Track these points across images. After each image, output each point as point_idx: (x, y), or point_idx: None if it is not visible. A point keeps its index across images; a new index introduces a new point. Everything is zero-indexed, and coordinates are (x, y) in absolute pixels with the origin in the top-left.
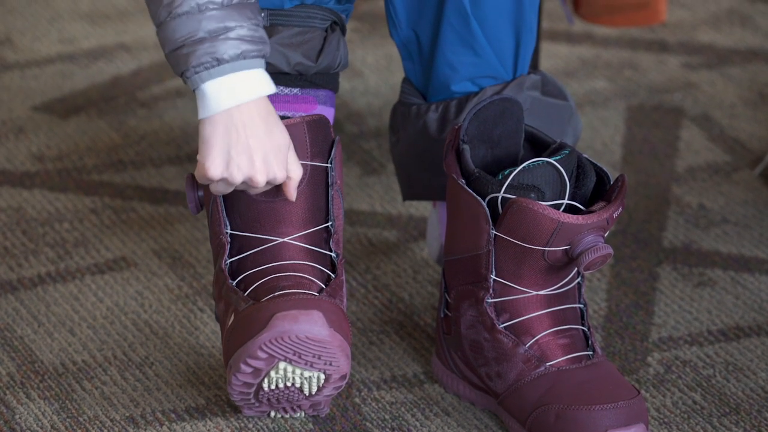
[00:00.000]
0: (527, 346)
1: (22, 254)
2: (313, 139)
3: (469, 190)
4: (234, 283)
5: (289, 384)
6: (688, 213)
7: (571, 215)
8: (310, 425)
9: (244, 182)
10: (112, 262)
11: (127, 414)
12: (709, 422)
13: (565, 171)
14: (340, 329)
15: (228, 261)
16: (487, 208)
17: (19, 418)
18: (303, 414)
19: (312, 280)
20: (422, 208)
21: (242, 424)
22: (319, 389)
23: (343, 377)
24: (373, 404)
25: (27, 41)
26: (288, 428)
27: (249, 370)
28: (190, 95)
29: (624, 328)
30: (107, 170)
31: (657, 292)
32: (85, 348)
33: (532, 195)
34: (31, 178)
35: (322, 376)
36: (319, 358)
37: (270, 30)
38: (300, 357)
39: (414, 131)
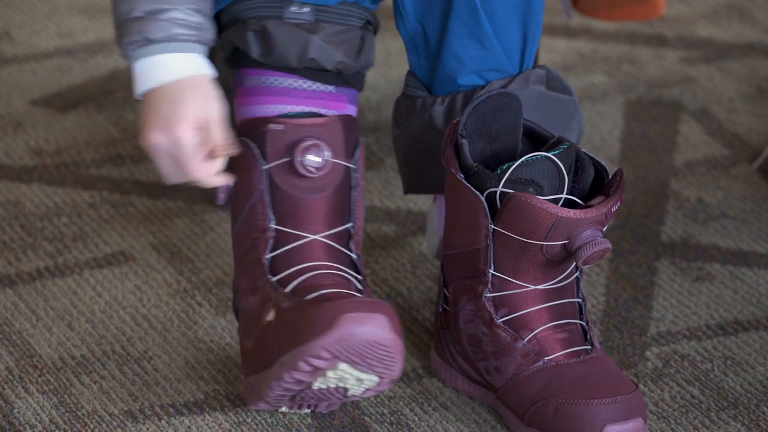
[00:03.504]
0: (526, 340)
1: (20, 248)
2: (346, 139)
3: (468, 184)
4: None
5: (340, 385)
6: (687, 207)
7: (569, 210)
8: (309, 420)
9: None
10: (110, 257)
11: (126, 408)
12: (708, 416)
13: (564, 165)
14: (399, 334)
15: (270, 256)
16: (485, 203)
17: (18, 412)
18: (310, 410)
19: (349, 280)
20: (421, 202)
21: (241, 419)
22: (364, 391)
23: (392, 381)
24: (372, 399)
25: (25, 35)
26: (287, 422)
27: (308, 368)
28: None
29: (622, 322)
30: (105, 164)
31: (655, 287)
32: (83, 342)
33: (531, 189)
34: (30, 173)
35: (376, 379)
36: (381, 362)
37: (314, 26)
38: (363, 360)
39: (419, 124)
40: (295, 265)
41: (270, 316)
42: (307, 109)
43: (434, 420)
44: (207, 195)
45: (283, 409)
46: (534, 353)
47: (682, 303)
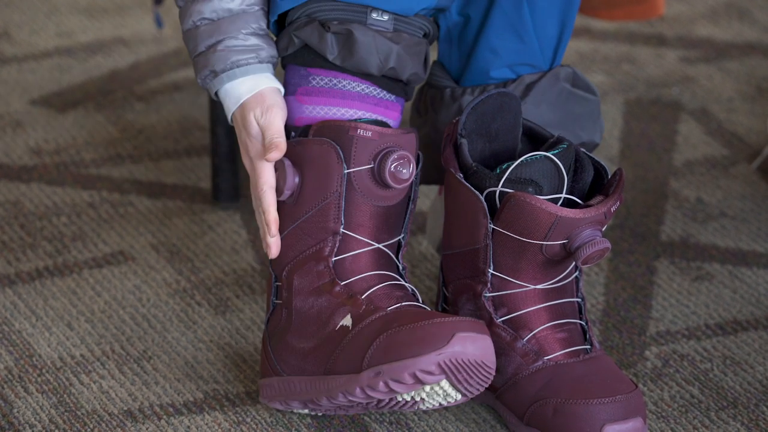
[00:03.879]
0: (525, 340)
1: (19, 248)
2: (417, 152)
3: (467, 184)
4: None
5: (426, 398)
6: (686, 207)
7: (568, 209)
8: (308, 419)
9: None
10: (110, 256)
11: (125, 408)
12: (707, 416)
13: (563, 165)
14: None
15: (334, 259)
16: (485, 203)
17: (17, 412)
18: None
19: (415, 292)
20: (420, 202)
21: (240, 418)
22: (437, 405)
23: (466, 400)
24: None
25: (25, 35)
26: (286, 422)
27: (411, 381)
28: (188, 89)
29: (622, 322)
30: (105, 164)
31: (655, 286)
32: (83, 342)
33: (530, 189)
34: (29, 172)
35: (459, 397)
36: (477, 383)
37: (396, 36)
38: (466, 379)
39: (447, 114)
40: (361, 273)
41: (345, 321)
42: (374, 116)
43: (433, 420)
44: (206, 195)
45: (305, 411)
46: (533, 353)
47: (681, 302)
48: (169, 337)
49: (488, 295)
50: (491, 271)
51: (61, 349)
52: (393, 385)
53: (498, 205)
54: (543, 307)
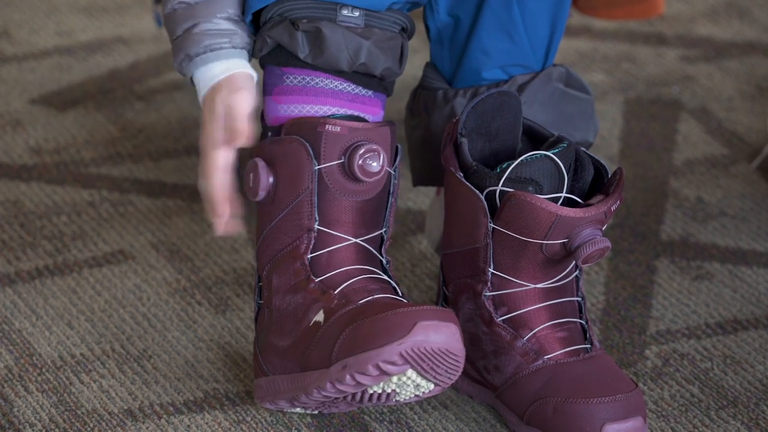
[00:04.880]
0: (525, 339)
1: (19, 247)
2: (392, 145)
3: (467, 183)
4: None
5: (397, 390)
6: (686, 206)
7: (569, 208)
8: (309, 419)
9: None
10: (110, 255)
11: (125, 407)
12: (707, 415)
13: (563, 164)
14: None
15: (310, 256)
16: (485, 202)
17: (17, 411)
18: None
19: (394, 286)
20: (420, 201)
21: (240, 417)
22: (409, 398)
23: (443, 390)
24: None
25: (24, 34)
26: (286, 421)
27: (375, 373)
28: (187, 88)
29: (622, 321)
30: (105, 163)
31: (655, 286)
32: (83, 341)
33: (530, 188)
34: (29, 171)
35: (431, 387)
36: (446, 371)
37: (366, 31)
38: (432, 368)
39: (440, 116)
40: (338, 268)
41: (318, 317)
42: (350, 112)
43: (434, 419)
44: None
45: (298, 409)
46: (533, 352)
47: (681, 302)
48: (169, 336)
49: (488, 294)
50: (491, 270)
51: (61, 348)
52: (359, 378)
53: (498, 204)
54: (543, 306)
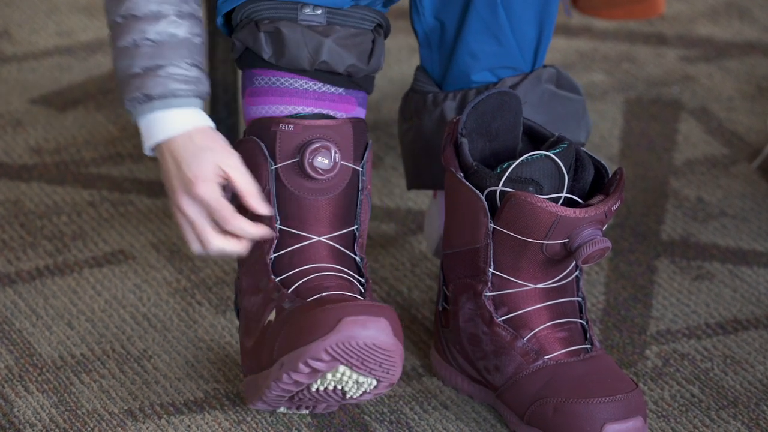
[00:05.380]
0: (525, 339)
1: (20, 247)
2: (356, 141)
3: (468, 183)
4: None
5: (339, 387)
6: (686, 206)
7: (569, 209)
8: (309, 419)
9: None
10: (110, 255)
11: (126, 407)
12: (707, 415)
13: (564, 164)
14: (400, 338)
15: (273, 256)
16: (485, 202)
17: (18, 411)
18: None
19: (352, 282)
20: (420, 201)
21: (240, 417)
22: (362, 394)
23: (390, 385)
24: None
25: (25, 34)
26: (287, 422)
27: (307, 370)
28: None
29: (622, 321)
30: (105, 163)
31: (655, 286)
32: (83, 341)
33: (531, 188)
34: (29, 171)
35: (375, 383)
36: (380, 366)
37: (327, 29)
38: (363, 363)
39: (430, 119)
40: (299, 267)
41: (271, 316)
42: (317, 110)
43: (434, 419)
44: None
45: (282, 409)
46: (534, 352)
47: (681, 302)
48: (169, 336)
49: (489, 294)
50: (492, 270)
51: (62, 348)
52: (294, 376)
53: (498, 204)
54: (543, 306)
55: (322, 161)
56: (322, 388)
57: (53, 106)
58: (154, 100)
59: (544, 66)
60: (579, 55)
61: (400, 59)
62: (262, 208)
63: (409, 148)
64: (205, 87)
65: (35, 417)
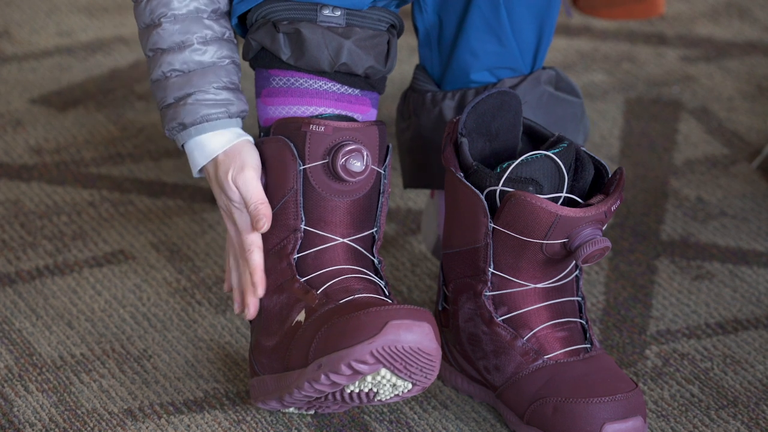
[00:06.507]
0: (525, 339)
1: (20, 247)
2: (381, 145)
3: (468, 183)
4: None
5: (374, 390)
6: (686, 206)
7: (569, 208)
8: (309, 418)
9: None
10: (110, 255)
11: (126, 407)
12: (707, 415)
13: (564, 164)
14: (440, 343)
15: (297, 256)
16: (485, 202)
17: (17, 410)
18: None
19: (377, 285)
20: (420, 201)
21: (240, 417)
22: (393, 397)
23: (423, 389)
24: None
25: (25, 34)
26: (286, 421)
27: (348, 372)
28: None
29: (622, 321)
30: (105, 163)
31: (655, 285)
32: (83, 341)
33: (531, 188)
34: (29, 171)
35: (410, 386)
36: (421, 370)
37: (347, 31)
38: (405, 367)
39: (428, 118)
40: (323, 268)
41: (300, 316)
42: (336, 111)
43: (434, 419)
44: (206, 194)
45: (291, 409)
46: (533, 352)
47: (681, 301)
48: (169, 336)
49: (488, 294)
50: (491, 270)
51: (62, 347)
52: (333, 377)
53: (498, 204)
54: (543, 306)
55: (354, 164)
56: (356, 391)
57: (53, 105)
58: (188, 128)
59: (544, 68)
60: (579, 55)
61: (400, 59)
62: (260, 288)
63: (406, 147)
64: (237, 107)
65: (35, 417)
